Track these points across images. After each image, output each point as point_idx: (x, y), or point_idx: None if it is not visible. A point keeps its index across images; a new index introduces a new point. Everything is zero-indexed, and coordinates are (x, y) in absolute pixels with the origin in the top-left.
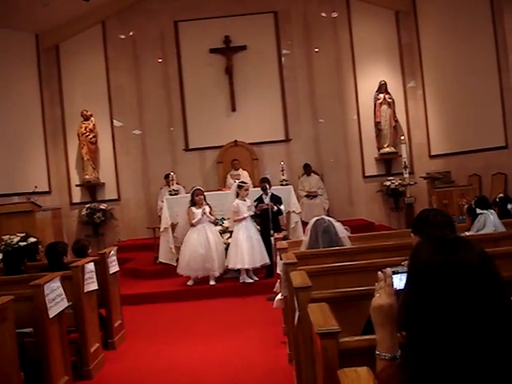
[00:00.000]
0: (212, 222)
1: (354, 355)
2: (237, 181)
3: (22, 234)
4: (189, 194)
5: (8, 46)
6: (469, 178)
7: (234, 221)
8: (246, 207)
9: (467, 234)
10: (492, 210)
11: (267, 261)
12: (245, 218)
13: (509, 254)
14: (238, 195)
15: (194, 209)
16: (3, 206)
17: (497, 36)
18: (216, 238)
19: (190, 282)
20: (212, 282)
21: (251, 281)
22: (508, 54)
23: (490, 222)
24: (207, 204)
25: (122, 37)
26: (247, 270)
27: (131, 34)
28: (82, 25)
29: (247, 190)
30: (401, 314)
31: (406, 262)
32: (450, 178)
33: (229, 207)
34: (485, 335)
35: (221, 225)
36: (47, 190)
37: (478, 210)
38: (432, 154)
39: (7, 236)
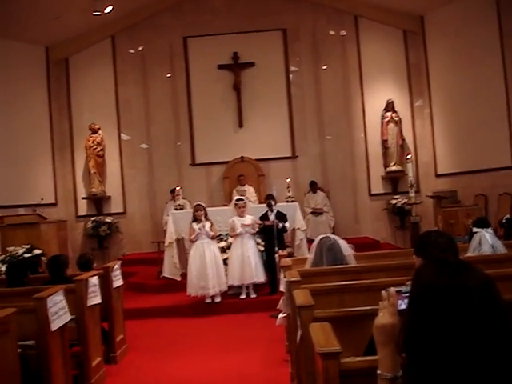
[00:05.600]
0: (211, 238)
1: (355, 376)
2: (237, 197)
3: (27, 246)
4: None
5: (18, 58)
6: (475, 198)
7: (231, 236)
8: (240, 224)
9: (465, 255)
10: (489, 229)
11: (260, 279)
12: (238, 235)
13: None
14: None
15: (194, 224)
16: (9, 218)
17: (504, 57)
18: (213, 255)
19: (207, 300)
20: (218, 299)
21: (244, 296)
22: None
23: (485, 240)
24: (208, 220)
25: (132, 51)
26: (247, 286)
27: (140, 48)
28: (92, 39)
29: (241, 207)
30: (401, 336)
31: (410, 282)
32: (456, 198)
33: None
34: (484, 359)
35: (225, 240)
36: (53, 202)
37: (474, 229)
38: (438, 173)
39: (12, 248)
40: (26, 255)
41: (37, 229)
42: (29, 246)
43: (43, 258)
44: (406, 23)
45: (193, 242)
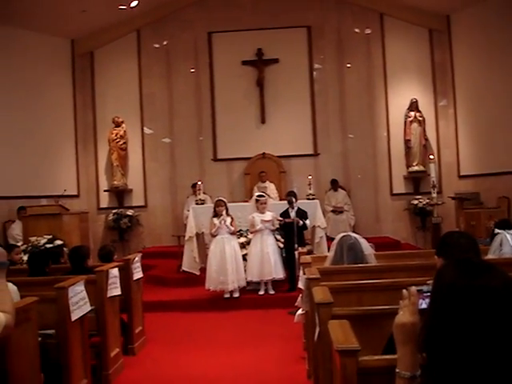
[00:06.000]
0: (232, 234)
1: (373, 374)
2: (257, 193)
3: (49, 237)
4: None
5: (44, 50)
6: (498, 200)
7: (250, 233)
8: (260, 220)
9: (485, 257)
10: (511, 231)
11: (279, 275)
12: (257, 231)
13: None
14: (257, 208)
15: (215, 219)
16: (32, 208)
17: None
18: (233, 250)
19: (226, 295)
20: (236, 294)
21: (262, 292)
22: None
23: (506, 241)
24: (229, 215)
25: (156, 46)
26: (265, 283)
27: (165, 43)
28: (117, 33)
29: (263, 203)
30: (422, 335)
31: (431, 281)
32: (479, 200)
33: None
34: (506, 361)
35: (245, 236)
36: (76, 193)
37: (496, 230)
38: (461, 174)
39: (34, 238)
40: (48, 245)
41: (59, 220)
42: (51, 237)
43: (65, 249)
44: (431, 22)
45: (213, 236)
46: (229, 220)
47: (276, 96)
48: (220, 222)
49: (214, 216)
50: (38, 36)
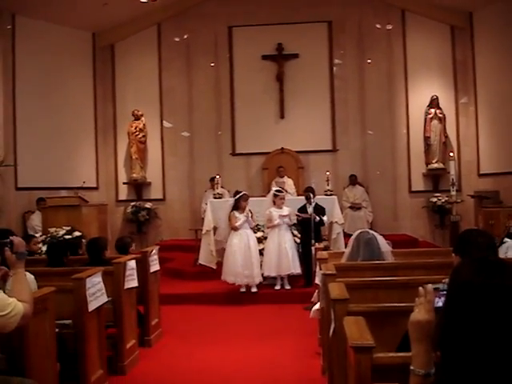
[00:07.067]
0: (251, 228)
1: (387, 371)
2: (275, 188)
3: (68, 228)
4: (232, 198)
5: (66, 43)
6: None
7: (267, 227)
8: (278, 215)
9: None
10: None
11: (297, 270)
12: (275, 226)
13: None
14: (274, 203)
15: (236, 213)
16: (51, 199)
17: None
18: (255, 245)
19: (242, 289)
20: (254, 289)
21: (278, 287)
22: None
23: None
24: (249, 210)
25: (177, 40)
26: (281, 278)
27: (185, 37)
28: (138, 26)
29: (282, 198)
30: (437, 333)
31: (447, 280)
32: (498, 198)
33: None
34: None
35: (263, 231)
36: (95, 185)
37: (505, 239)
38: (481, 172)
39: (53, 228)
40: (67, 237)
41: (78, 211)
42: (69, 228)
43: (83, 240)
44: (453, 19)
45: (236, 230)
46: (250, 214)
47: (295, 91)
48: (245, 216)
49: (235, 209)
50: (59, 29)
